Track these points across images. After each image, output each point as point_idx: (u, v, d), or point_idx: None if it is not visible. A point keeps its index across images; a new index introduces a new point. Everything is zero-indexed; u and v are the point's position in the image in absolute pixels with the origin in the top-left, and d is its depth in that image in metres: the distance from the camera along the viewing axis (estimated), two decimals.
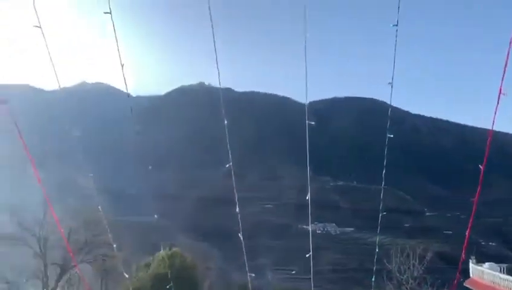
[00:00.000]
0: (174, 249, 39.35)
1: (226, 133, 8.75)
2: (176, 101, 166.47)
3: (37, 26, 5.88)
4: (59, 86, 6.75)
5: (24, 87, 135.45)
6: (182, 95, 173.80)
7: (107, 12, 5.83)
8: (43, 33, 5.88)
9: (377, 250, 14.48)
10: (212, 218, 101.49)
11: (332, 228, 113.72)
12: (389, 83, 7.50)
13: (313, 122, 9.08)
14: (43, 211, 37.55)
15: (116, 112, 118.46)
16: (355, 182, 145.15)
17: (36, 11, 5.82)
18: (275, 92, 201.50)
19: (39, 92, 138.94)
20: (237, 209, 9.17)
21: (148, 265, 37.54)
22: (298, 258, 57.71)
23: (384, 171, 10.55)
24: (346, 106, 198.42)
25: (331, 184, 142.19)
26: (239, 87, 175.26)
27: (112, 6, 5.65)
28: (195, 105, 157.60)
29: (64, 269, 37.96)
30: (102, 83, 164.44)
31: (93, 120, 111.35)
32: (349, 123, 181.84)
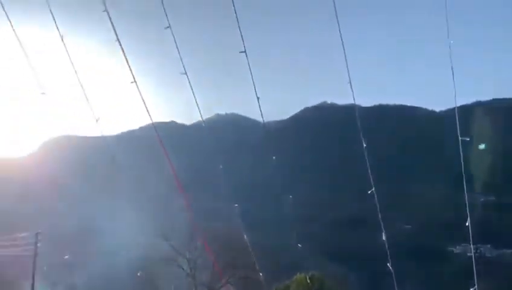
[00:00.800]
0: (312, 272, 38.79)
1: (365, 153, 8.12)
2: (303, 122, 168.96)
3: (183, 73, 6.39)
4: (202, 119, 7.14)
5: (171, 123, 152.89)
6: (307, 116, 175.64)
7: (243, 52, 6.11)
8: (189, 80, 6.30)
9: None
10: (347, 240, 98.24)
11: (487, 250, 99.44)
12: None
13: (467, 138, 7.81)
14: (191, 235, 41.08)
15: (249, 139, 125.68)
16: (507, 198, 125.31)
17: (182, 59, 6.31)
18: (403, 103, 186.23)
19: (182, 127, 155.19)
20: (383, 236, 8.36)
21: (287, 287, 37.64)
22: (447, 284, 51.67)
23: None
24: (491, 110, 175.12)
25: (481, 200, 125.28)
26: (365, 102, 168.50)
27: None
28: (321, 125, 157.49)
29: (211, 289, 40.58)
30: (234, 113, 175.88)
31: (229, 149, 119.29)
32: (497, 131, 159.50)
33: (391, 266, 8.35)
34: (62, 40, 6.48)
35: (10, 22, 6.39)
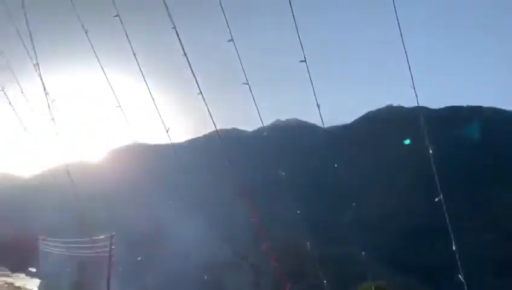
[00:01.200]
0: (378, 282, 37.51)
1: (431, 158, 7.76)
2: (366, 128, 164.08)
3: (245, 83, 6.67)
4: (263, 124, 7.32)
5: (233, 130, 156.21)
6: (370, 122, 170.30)
7: (303, 61, 6.23)
8: (250, 88, 6.53)
9: None
10: (417, 250, 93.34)
11: None
12: None
13: None
14: (254, 241, 41.53)
15: (310, 144, 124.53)
16: None
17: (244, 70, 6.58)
18: (479, 104, 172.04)
19: (242, 132, 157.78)
20: (453, 246, 7.90)
21: None
22: None
23: None
24: None
25: None
26: (434, 104, 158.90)
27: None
28: (386, 130, 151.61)
29: None
30: (295, 119, 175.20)
31: (291, 155, 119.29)
32: None
33: (463, 278, 7.85)
34: (135, 57, 7.03)
35: (90, 41, 7.05)
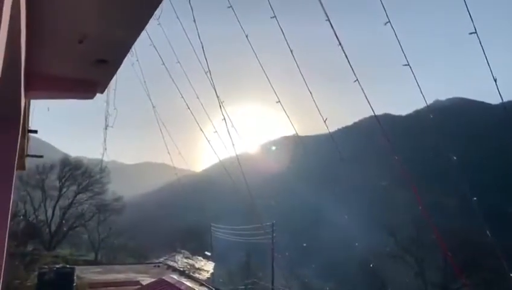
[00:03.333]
0: None
1: None
2: None
3: (406, 65, 6.41)
4: (426, 104, 6.84)
5: (385, 116, 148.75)
6: None
7: (473, 33, 5.69)
8: (412, 71, 6.21)
9: None
10: None
11: None
12: None
13: None
14: (417, 231, 39.02)
15: (484, 124, 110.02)
16: None
17: (403, 51, 6.26)
18: None
19: (397, 118, 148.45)
20: None
21: None
22: None
23: None
24: None
25: None
26: None
27: None
28: None
29: None
30: (457, 98, 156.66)
31: (461, 137, 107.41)
32: None
33: None
34: (292, 54, 7.40)
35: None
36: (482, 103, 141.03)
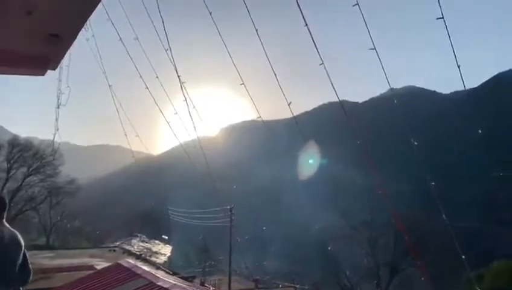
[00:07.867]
0: None
1: None
2: (494, 91, 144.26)
3: (371, 49, 6.33)
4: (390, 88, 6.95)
5: (343, 103, 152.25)
6: (499, 84, 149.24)
7: (440, 18, 5.70)
8: (378, 54, 6.23)
9: None
10: None
11: None
12: None
13: None
14: (370, 214, 40.67)
15: (438, 111, 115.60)
16: None
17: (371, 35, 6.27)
18: None
19: (354, 104, 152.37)
20: None
21: (480, 277, 33.72)
22: None
23: None
24: None
25: None
26: None
27: None
28: None
29: (394, 270, 39.46)
30: (410, 86, 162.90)
31: (416, 124, 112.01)
32: None
33: None
34: (257, 32, 7.24)
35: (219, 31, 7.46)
36: (434, 92, 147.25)
